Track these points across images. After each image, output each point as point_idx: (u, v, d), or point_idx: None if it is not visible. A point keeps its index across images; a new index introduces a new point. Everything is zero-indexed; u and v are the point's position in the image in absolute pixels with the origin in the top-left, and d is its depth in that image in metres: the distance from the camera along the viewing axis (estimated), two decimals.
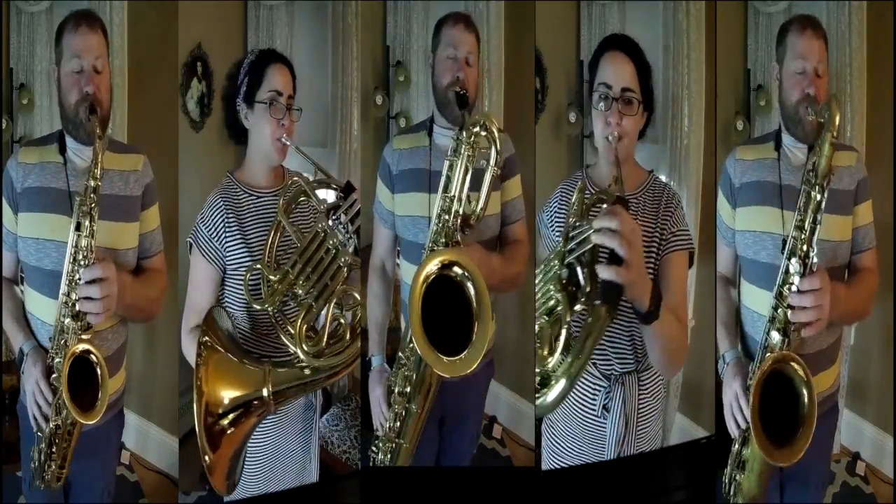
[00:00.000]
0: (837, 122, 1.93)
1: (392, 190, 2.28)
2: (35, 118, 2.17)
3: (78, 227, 1.95)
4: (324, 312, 2.04)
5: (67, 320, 1.95)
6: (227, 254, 2.11)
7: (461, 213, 2.04)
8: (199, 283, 2.13)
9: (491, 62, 2.43)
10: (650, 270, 2.06)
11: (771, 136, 2.22)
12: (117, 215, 2.06)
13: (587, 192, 2.08)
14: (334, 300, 2.04)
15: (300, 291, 2.03)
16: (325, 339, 2.02)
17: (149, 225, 2.13)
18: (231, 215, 2.12)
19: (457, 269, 1.89)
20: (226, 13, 2.40)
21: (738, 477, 2.11)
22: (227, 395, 2.01)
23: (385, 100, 2.42)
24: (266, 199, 2.15)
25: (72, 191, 2.02)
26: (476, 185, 2.05)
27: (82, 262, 1.94)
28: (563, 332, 1.88)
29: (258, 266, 2.05)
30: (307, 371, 2.02)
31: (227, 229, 2.11)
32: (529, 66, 2.36)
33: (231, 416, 2.01)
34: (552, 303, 1.93)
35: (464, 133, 2.05)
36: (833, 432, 2.29)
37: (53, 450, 2.01)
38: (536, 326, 1.95)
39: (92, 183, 1.95)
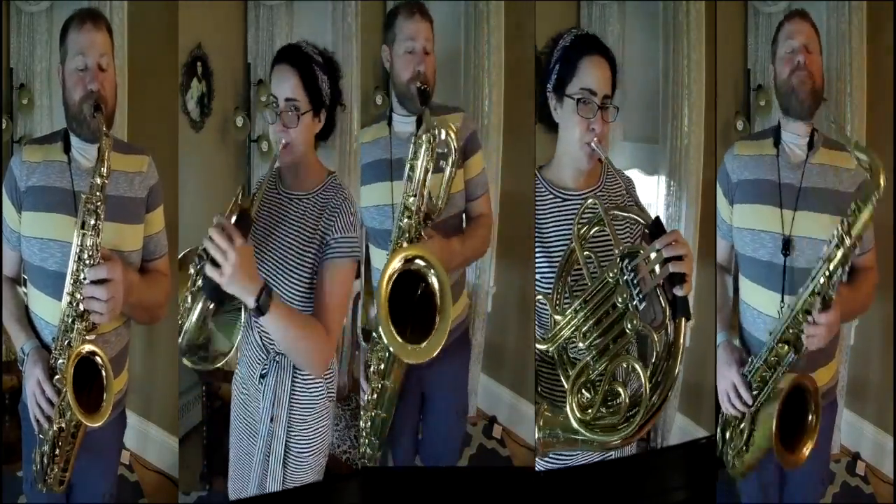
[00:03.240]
0: (882, 183, 1.96)
1: (359, 183, 2.31)
2: (35, 118, 2.17)
3: (83, 226, 1.94)
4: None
5: (71, 320, 1.95)
6: None
7: (423, 209, 2.12)
8: None
9: (491, 62, 2.43)
10: None
11: (770, 132, 2.24)
12: (121, 217, 2.04)
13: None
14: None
15: None
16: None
17: (153, 227, 2.12)
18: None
19: (419, 262, 1.99)
20: (226, 13, 2.40)
21: (743, 449, 2.21)
22: None
23: (385, 100, 2.42)
24: (288, 196, 2.13)
25: (76, 190, 2.01)
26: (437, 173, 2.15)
27: (87, 262, 1.94)
28: (654, 360, 1.94)
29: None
30: None
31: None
32: (529, 66, 2.36)
33: None
34: (627, 336, 1.96)
35: (423, 137, 2.11)
36: (832, 426, 2.31)
37: (56, 452, 2.00)
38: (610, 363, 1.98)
39: (98, 181, 1.94)
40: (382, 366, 2.21)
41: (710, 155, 2.44)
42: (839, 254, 2.01)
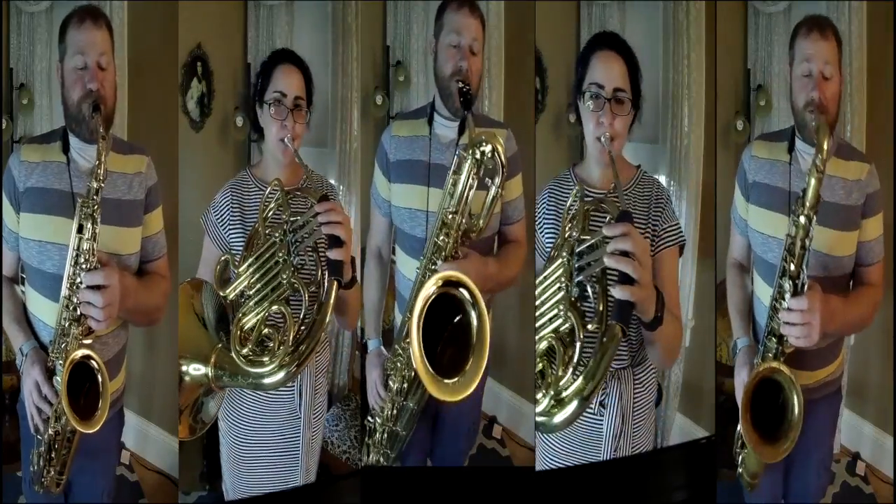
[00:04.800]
0: (826, 148, 1.96)
1: (388, 178, 2.28)
2: (35, 118, 2.16)
3: (80, 230, 1.93)
4: (256, 319, 2.07)
5: (68, 324, 1.95)
6: (230, 241, 2.15)
7: (462, 227, 2.06)
8: (207, 260, 2.18)
9: (491, 62, 2.42)
10: None
11: (786, 136, 2.22)
12: (119, 220, 2.05)
13: (585, 196, 2.08)
14: (268, 310, 2.05)
15: (249, 293, 2.07)
16: (253, 345, 2.04)
17: (152, 228, 2.12)
18: (236, 206, 2.15)
19: (462, 290, 1.88)
20: (226, 13, 2.40)
21: (743, 453, 2.19)
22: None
23: (385, 100, 2.42)
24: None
25: (75, 192, 2.01)
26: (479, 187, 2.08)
27: (84, 266, 1.94)
28: (577, 352, 1.88)
29: (226, 257, 2.10)
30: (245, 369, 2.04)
31: (231, 219, 2.15)
32: (529, 66, 2.36)
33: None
34: (560, 321, 1.92)
35: (469, 151, 2.05)
36: (836, 416, 2.30)
37: (53, 455, 2.00)
38: (545, 343, 1.95)
39: (94, 185, 1.93)
40: (405, 385, 2.16)
41: (710, 155, 2.44)
42: (801, 226, 1.99)
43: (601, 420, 2.09)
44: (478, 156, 2.04)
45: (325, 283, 2.05)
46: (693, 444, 2.51)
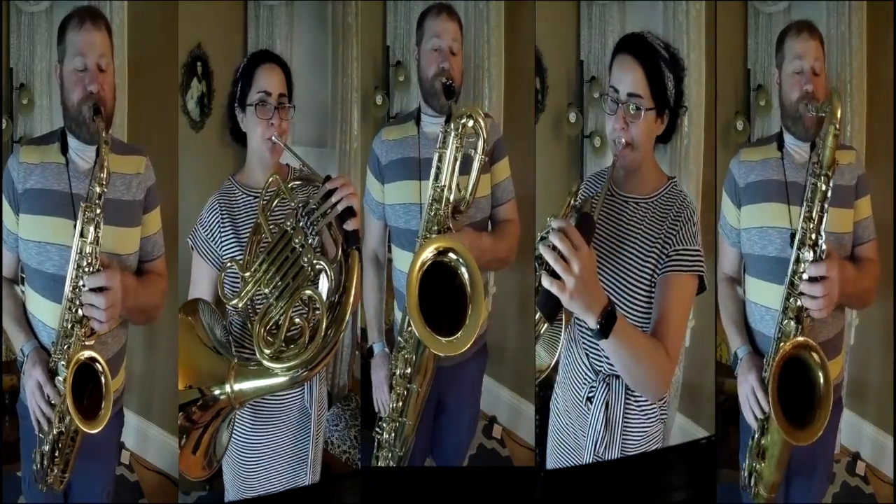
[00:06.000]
0: (839, 114, 2.01)
1: (381, 181, 2.32)
2: (35, 118, 2.17)
3: (82, 233, 1.93)
4: (282, 313, 2.01)
5: (71, 325, 1.95)
6: (224, 254, 2.13)
7: (451, 200, 2.13)
8: (199, 282, 2.15)
9: (491, 62, 2.43)
10: (644, 284, 2.01)
11: (773, 138, 2.26)
12: (119, 220, 2.05)
13: (581, 194, 2.10)
14: (295, 301, 1.99)
15: (266, 290, 2.02)
16: (281, 341, 1.97)
17: (150, 228, 2.12)
18: (226, 217, 2.14)
19: (451, 255, 1.94)
20: (226, 13, 2.40)
21: (757, 467, 2.17)
22: (190, 380, 2.04)
23: (385, 100, 2.42)
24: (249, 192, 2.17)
25: (74, 193, 2.01)
26: (465, 171, 2.15)
27: (87, 269, 1.94)
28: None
29: (231, 263, 2.05)
30: (273, 371, 1.98)
31: (222, 230, 2.13)
32: (529, 66, 2.36)
33: (191, 407, 2.03)
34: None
35: (451, 124, 2.13)
36: (837, 425, 2.30)
37: (56, 454, 2.00)
38: None
39: (97, 189, 1.93)
40: (409, 369, 2.16)
41: (710, 155, 2.44)
42: (819, 187, 2.02)
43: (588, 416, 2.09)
44: (459, 128, 2.12)
45: (346, 257, 2.01)
46: (693, 444, 2.51)
